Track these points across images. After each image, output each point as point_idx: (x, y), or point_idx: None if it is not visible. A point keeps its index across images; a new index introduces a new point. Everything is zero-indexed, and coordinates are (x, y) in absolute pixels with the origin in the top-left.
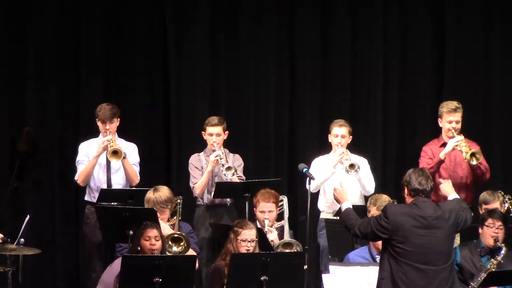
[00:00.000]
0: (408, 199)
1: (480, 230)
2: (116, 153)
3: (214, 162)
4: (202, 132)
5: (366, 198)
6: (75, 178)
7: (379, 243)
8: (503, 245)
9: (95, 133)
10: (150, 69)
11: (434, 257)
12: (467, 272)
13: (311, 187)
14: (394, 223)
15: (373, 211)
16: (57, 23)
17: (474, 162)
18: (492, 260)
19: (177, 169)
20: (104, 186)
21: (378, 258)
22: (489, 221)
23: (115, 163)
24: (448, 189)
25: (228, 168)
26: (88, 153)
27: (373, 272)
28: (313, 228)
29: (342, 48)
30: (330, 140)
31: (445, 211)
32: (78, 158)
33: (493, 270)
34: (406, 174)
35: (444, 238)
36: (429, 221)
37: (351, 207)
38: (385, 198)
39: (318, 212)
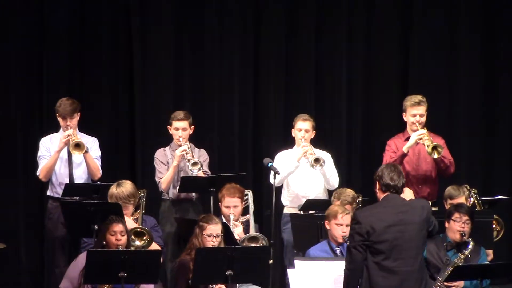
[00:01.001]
0: (380, 194)
1: (446, 224)
2: (78, 146)
3: (180, 156)
4: (168, 126)
5: (330, 192)
6: (37, 174)
7: (337, 235)
8: (470, 239)
9: (59, 127)
10: (114, 63)
11: (409, 254)
12: (433, 266)
13: (275, 181)
14: (366, 224)
15: (337, 205)
16: (21, 19)
17: (435, 156)
18: (459, 254)
19: (142, 164)
20: (66, 181)
21: (338, 250)
22: (456, 215)
23: (77, 157)
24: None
25: (194, 164)
26: (49, 148)
27: (338, 266)
28: (278, 222)
29: (306, 43)
30: (293, 135)
31: (417, 207)
32: (39, 154)
33: (460, 264)
34: (379, 169)
35: (417, 233)
36: (400, 217)
37: None
38: (349, 192)
39: (282, 206)
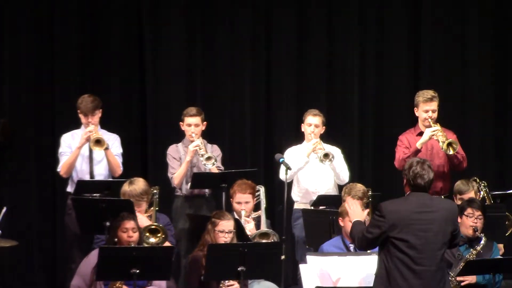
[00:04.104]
0: (406, 189)
1: (459, 220)
2: (98, 142)
3: (193, 152)
4: (180, 122)
5: (340, 187)
6: (58, 170)
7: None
8: (482, 235)
9: (71, 124)
10: (125, 60)
11: (429, 254)
12: (445, 261)
13: (286, 176)
14: (390, 219)
15: (348, 200)
16: (31, 13)
17: (451, 152)
18: (471, 249)
19: (154, 160)
20: (87, 177)
21: (352, 247)
22: (469, 210)
23: (98, 154)
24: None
25: (208, 158)
26: (71, 144)
27: (350, 261)
28: (290, 218)
29: (317, 37)
30: (303, 129)
31: (443, 208)
32: (60, 150)
33: (471, 259)
34: (407, 164)
35: (440, 232)
36: (424, 216)
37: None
38: (359, 187)
39: (293, 202)
